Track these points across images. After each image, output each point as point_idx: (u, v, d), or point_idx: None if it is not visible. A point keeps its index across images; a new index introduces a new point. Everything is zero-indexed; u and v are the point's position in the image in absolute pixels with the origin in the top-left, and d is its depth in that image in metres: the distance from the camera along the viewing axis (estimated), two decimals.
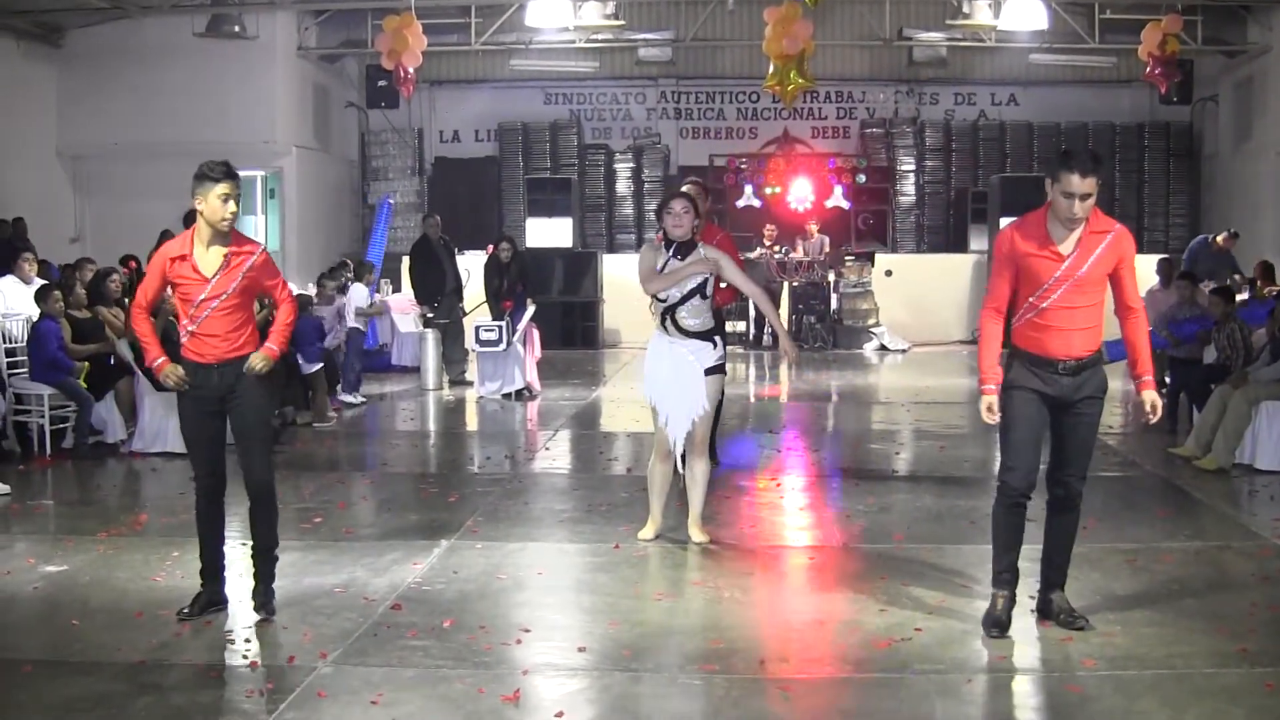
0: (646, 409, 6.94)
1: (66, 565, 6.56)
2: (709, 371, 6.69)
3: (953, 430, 10.94)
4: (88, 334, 10.30)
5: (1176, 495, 8.32)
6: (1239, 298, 11.88)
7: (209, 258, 5.56)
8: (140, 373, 9.82)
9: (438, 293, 14.09)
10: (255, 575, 5.72)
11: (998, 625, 5.33)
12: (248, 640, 5.37)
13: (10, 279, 11.52)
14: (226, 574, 5.81)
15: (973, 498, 7.94)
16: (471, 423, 12.16)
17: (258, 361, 5.62)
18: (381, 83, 18.98)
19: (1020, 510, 5.38)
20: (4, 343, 10.32)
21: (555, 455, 10.06)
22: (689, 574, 6.45)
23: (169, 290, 5.73)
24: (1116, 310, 5.33)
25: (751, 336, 18.04)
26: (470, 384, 13.55)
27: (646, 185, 20.77)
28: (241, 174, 5.73)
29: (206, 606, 5.65)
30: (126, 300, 10.75)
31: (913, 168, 20.60)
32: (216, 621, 5.60)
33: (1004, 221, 12.65)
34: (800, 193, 19.14)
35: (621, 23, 18.36)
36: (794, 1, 16.01)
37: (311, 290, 13.32)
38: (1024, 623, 5.47)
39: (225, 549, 5.84)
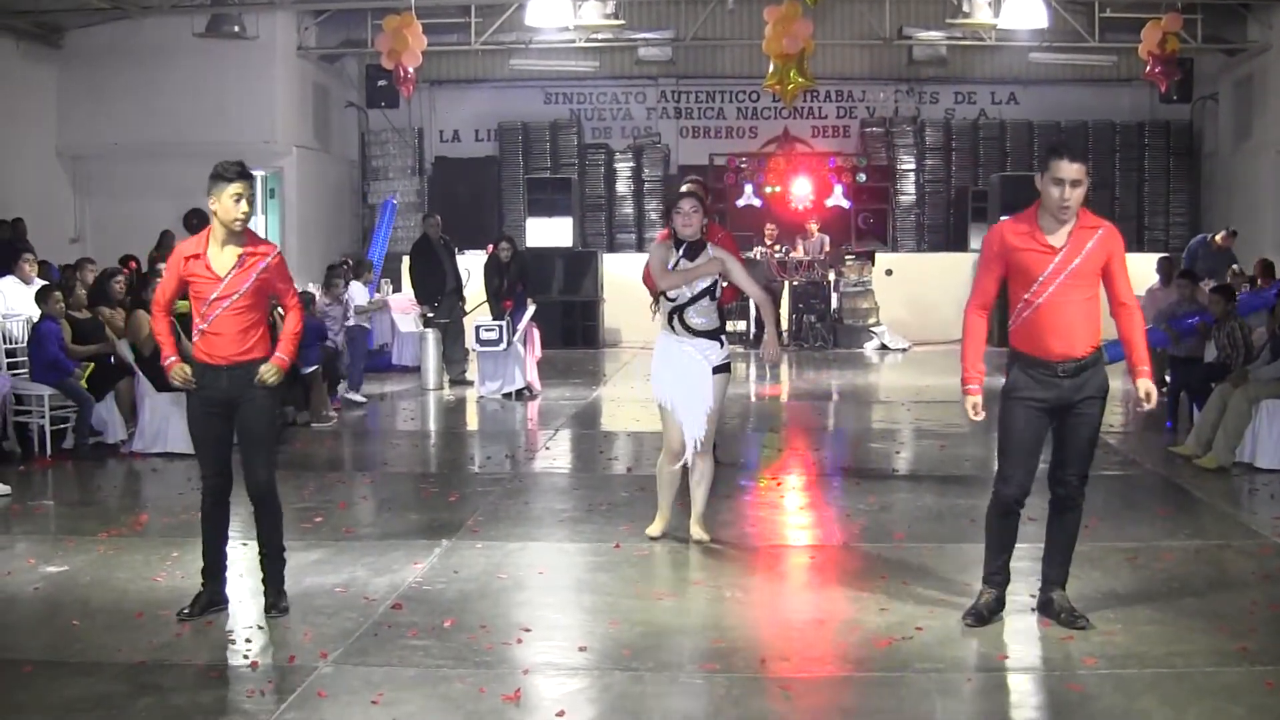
0: (647, 408, 6.96)
1: (67, 566, 6.57)
2: (717, 370, 6.71)
3: (953, 429, 10.93)
4: (88, 335, 10.29)
5: (1177, 494, 8.32)
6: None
7: (223, 257, 5.58)
8: (140, 373, 9.83)
9: (438, 292, 14.07)
10: (265, 579, 5.73)
11: (976, 617, 5.40)
12: (248, 640, 5.37)
13: (10, 279, 11.53)
14: (227, 574, 5.81)
15: (973, 497, 7.91)
16: (472, 422, 12.16)
17: (269, 374, 5.63)
18: (381, 82, 18.97)
19: (1014, 516, 5.43)
20: (4, 343, 10.33)
21: (555, 455, 10.05)
22: (690, 573, 6.45)
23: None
24: (1111, 308, 5.33)
25: (751, 336, 18.03)
26: (470, 384, 13.54)
27: (647, 185, 20.77)
28: None
29: (207, 607, 5.65)
30: (128, 300, 10.76)
31: (913, 167, 20.59)
32: (217, 622, 5.60)
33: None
34: (800, 192, 19.16)
35: (621, 22, 18.31)
36: (794, 1, 16.01)
37: (314, 289, 13.31)
38: (1024, 621, 5.48)
39: (227, 549, 5.84)
